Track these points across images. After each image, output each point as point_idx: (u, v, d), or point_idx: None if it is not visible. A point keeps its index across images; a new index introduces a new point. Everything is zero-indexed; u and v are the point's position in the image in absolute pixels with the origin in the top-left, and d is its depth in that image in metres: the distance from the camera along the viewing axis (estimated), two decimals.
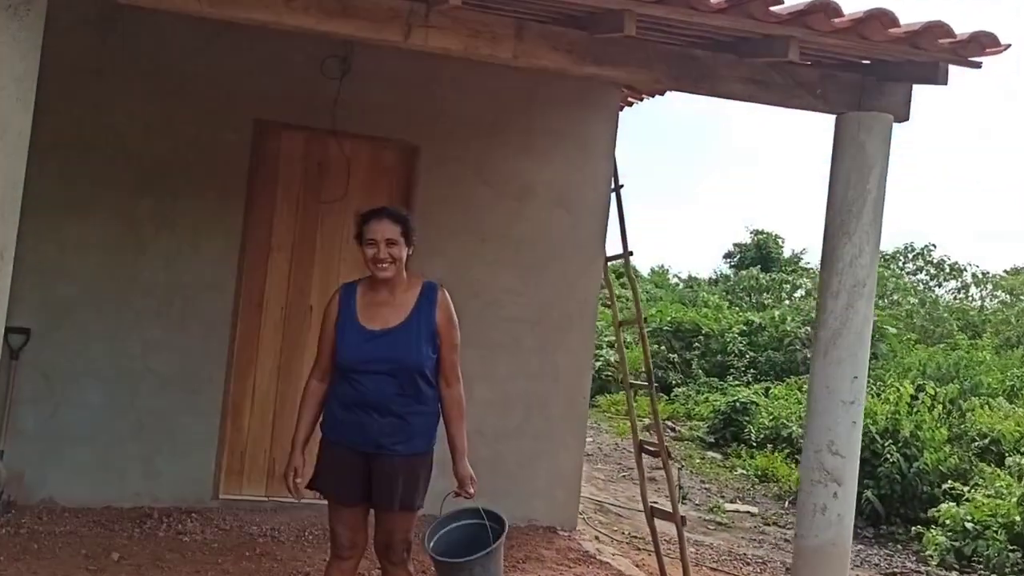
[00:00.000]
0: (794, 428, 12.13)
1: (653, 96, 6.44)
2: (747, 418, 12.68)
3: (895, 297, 21.06)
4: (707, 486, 10.94)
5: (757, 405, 12.86)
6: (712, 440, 12.81)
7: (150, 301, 5.45)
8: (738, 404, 12.75)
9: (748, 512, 10.00)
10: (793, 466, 11.41)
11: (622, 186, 6.22)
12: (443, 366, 3.37)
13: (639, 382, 6.64)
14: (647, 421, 13.88)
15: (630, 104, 6.56)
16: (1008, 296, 25.36)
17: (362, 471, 3.31)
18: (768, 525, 9.54)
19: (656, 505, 6.66)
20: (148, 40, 5.42)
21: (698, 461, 12.03)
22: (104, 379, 5.39)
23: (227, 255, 5.56)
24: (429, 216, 5.77)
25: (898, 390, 10.44)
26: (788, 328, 18.32)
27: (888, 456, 9.60)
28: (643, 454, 6.51)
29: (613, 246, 6.11)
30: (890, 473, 9.54)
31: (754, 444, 12.27)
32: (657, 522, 6.24)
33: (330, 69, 5.62)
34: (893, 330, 15.51)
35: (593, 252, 6.03)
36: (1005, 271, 28.09)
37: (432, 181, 5.82)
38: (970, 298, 25.57)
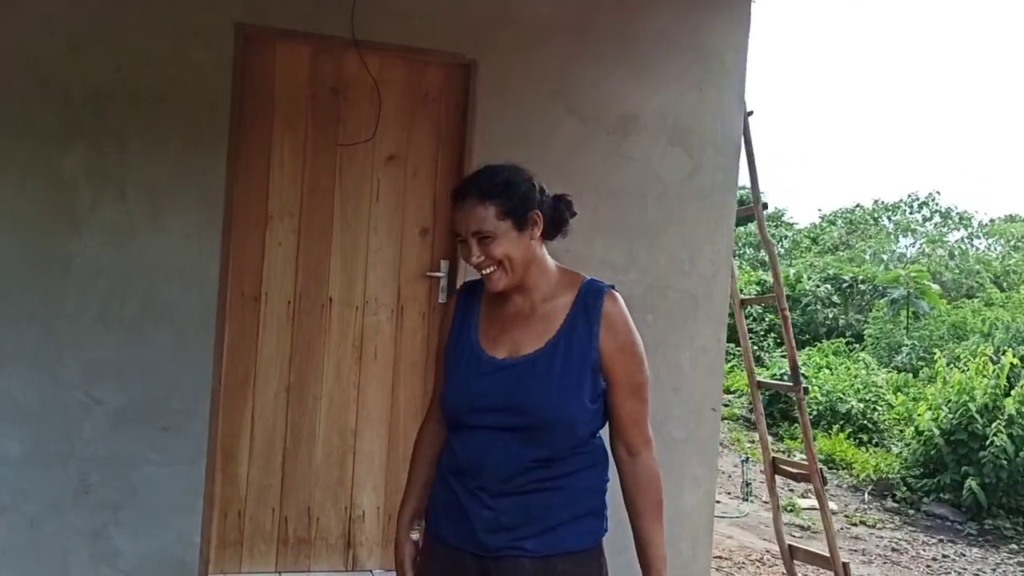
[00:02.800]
0: (853, 403, 10.65)
1: None
2: None
3: (911, 250, 19.69)
4: None
5: (806, 378, 11.34)
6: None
7: (92, 299, 3.65)
8: (784, 377, 11.19)
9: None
10: (864, 449, 9.93)
11: (751, 113, 4.52)
12: (618, 421, 2.00)
13: (774, 381, 5.00)
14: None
15: None
16: (1007, 244, 24.18)
17: None
18: (855, 526, 8.05)
19: (796, 544, 5.05)
20: None
21: (747, 445, 10.47)
22: (26, 418, 3.60)
23: (204, 227, 3.76)
24: (496, 161, 4.02)
25: (993, 360, 8.92)
26: (807, 287, 16.89)
27: (994, 439, 8.11)
28: (777, 475, 4.89)
29: None
30: (995, 458, 8.08)
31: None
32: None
33: None
34: (936, 287, 14.04)
35: (722, 207, 4.32)
36: (997, 218, 26.94)
37: (495, 110, 4.05)
38: (975, 248, 24.36)
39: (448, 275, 4.09)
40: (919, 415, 8.90)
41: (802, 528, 7.78)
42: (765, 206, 4.50)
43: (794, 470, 4.67)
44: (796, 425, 10.76)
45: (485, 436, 1.94)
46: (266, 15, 3.81)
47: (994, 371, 8.53)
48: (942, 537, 7.76)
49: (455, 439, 2.00)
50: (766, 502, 8.52)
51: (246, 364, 3.91)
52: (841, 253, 19.92)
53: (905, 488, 8.80)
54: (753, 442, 10.68)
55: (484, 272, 1.96)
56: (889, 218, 22.53)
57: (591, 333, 1.94)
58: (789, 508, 8.20)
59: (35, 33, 3.59)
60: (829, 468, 9.69)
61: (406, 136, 4.05)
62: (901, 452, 9.29)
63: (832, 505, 8.55)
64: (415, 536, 2.13)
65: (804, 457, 4.80)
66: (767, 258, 4.62)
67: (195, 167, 3.73)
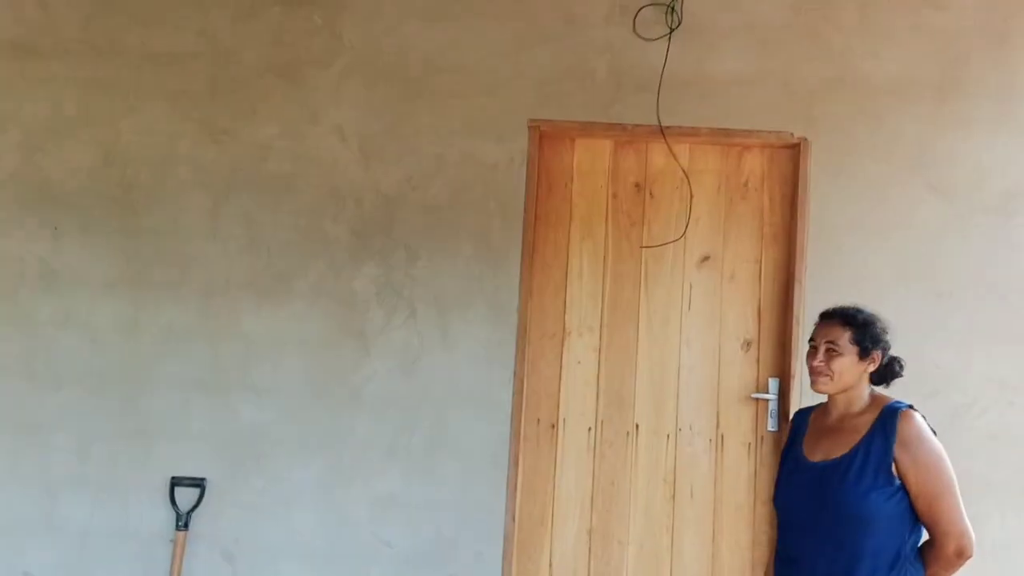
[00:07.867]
0: None
1: None
2: None
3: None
4: None
5: None
6: None
7: (382, 429, 3.35)
8: None
9: None
10: None
11: None
12: (924, 524, 2.19)
13: None
14: None
15: None
16: None
17: None
18: None
19: None
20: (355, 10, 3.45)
21: None
22: (313, 560, 3.32)
23: (495, 346, 3.35)
24: (836, 258, 3.29)
25: None
26: None
27: None
28: None
29: None
30: None
31: None
32: None
33: (648, 25, 3.35)
34: None
35: None
36: None
37: (833, 195, 3.32)
38: None
39: (779, 396, 3.36)
40: None
41: None
42: None
43: None
44: None
45: (799, 528, 2.25)
46: (562, 107, 3.41)
47: None
48: None
49: (782, 533, 2.33)
50: None
51: (543, 502, 3.40)
52: None
53: None
54: None
55: (817, 376, 2.28)
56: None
57: (887, 445, 2.17)
58: None
59: (329, 143, 3.45)
60: None
61: (722, 234, 3.42)
62: None
63: None
64: None
65: None
66: None
67: (485, 279, 3.37)
